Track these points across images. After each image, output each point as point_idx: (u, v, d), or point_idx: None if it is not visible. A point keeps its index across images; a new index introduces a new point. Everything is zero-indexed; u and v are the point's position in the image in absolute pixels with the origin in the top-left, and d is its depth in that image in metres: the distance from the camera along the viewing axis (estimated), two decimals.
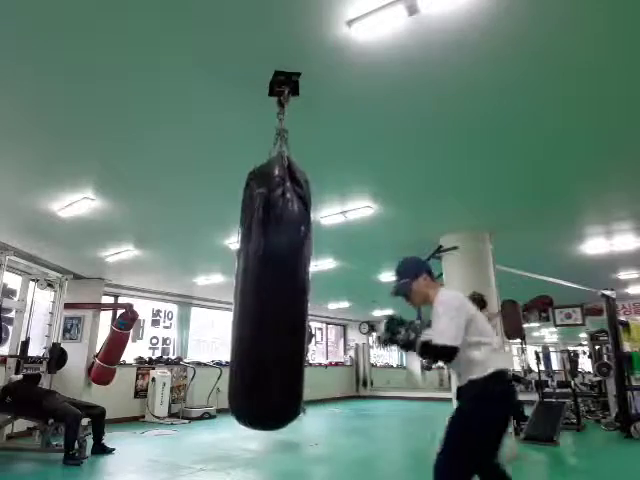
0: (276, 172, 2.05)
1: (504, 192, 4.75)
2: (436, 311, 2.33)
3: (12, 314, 6.35)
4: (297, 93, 2.50)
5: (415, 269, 2.58)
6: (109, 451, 5.50)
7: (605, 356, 8.56)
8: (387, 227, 5.65)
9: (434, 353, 2.30)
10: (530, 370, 11.69)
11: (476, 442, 2.20)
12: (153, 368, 9.16)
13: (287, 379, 1.88)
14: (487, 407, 2.23)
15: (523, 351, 10.37)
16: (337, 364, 14.86)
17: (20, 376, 5.79)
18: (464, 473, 2.20)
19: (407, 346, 2.40)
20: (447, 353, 2.21)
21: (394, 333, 2.42)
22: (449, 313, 2.28)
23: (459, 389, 2.40)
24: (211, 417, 9.05)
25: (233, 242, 6.16)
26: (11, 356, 6.04)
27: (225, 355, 11.28)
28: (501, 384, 2.28)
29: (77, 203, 4.74)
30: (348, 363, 15.24)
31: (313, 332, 13.55)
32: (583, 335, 11.94)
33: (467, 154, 3.89)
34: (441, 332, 2.24)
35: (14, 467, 5.10)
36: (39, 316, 6.90)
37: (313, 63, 2.63)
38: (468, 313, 2.33)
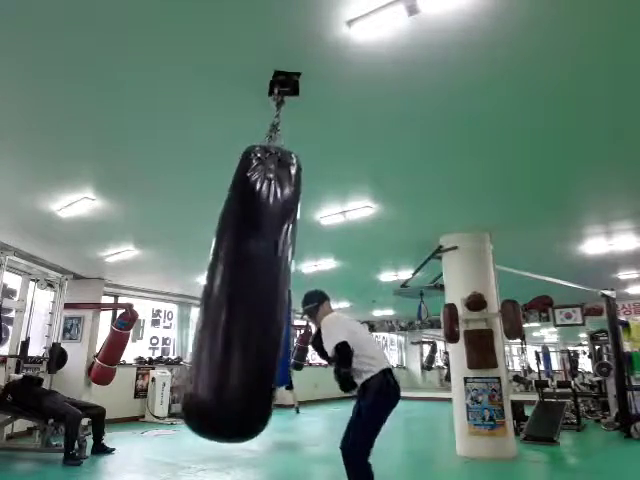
0: (259, 156, 1.99)
1: (504, 192, 4.75)
2: (324, 330, 3.12)
3: (12, 314, 6.35)
4: (297, 93, 2.51)
5: (319, 297, 3.40)
6: (109, 451, 5.50)
7: (605, 356, 8.56)
8: (387, 227, 5.65)
9: (340, 354, 2.89)
10: (530, 370, 11.71)
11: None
12: (153, 368, 9.16)
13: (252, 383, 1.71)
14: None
15: (523, 351, 10.40)
16: None
17: (20, 375, 5.79)
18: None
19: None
20: (344, 349, 2.88)
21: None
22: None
23: None
24: None
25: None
26: (11, 356, 6.04)
27: None
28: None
29: (77, 203, 4.74)
30: None
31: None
32: (583, 335, 11.95)
33: (467, 154, 3.89)
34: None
35: (14, 467, 5.10)
36: (39, 316, 6.89)
37: (313, 63, 2.63)
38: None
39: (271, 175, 1.95)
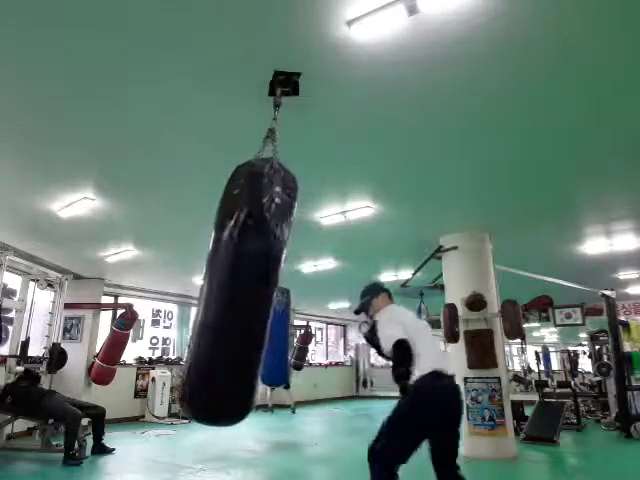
0: (266, 172, 2.02)
1: (504, 192, 4.75)
2: (379, 325, 2.78)
3: (12, 314, 6.35)
4: (297, 93, 2.51)
5: (374, 290, 3.08)
6: (109, 451, 5.50)
7: (605, 356, 8.56)
8: (387, 227, 5.65)
9: (397, 352, 2.57)
10: (530, 370, 11.70)
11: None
12: (153, 368, 9.16)
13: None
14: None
15: (523, 351, 10.38)
16: (337, 364, 14.86)
17: (21, 368, 5.79)
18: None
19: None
20: (402, 345, 2.55)
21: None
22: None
23: None
24: None
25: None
26: (11, 356, 6.04)
27: None
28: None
29: (77, 203, 4.74)
30: (348, 363, 15.24)
31: (313, 332, 13.54)
32: (583, 335, 11.94)
33: (467, 154, 3.89)
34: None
35: (14, 467, 5.10)
36: (39, 316, 6.89)
37: (313, 63, 2.63)
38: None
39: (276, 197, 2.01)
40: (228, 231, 1.93)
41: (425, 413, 2.54)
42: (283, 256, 2.01)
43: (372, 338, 2.83)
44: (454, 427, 2.60)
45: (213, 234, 2.03)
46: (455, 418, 2.61)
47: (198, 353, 1.85)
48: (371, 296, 3.03)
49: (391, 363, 2.64)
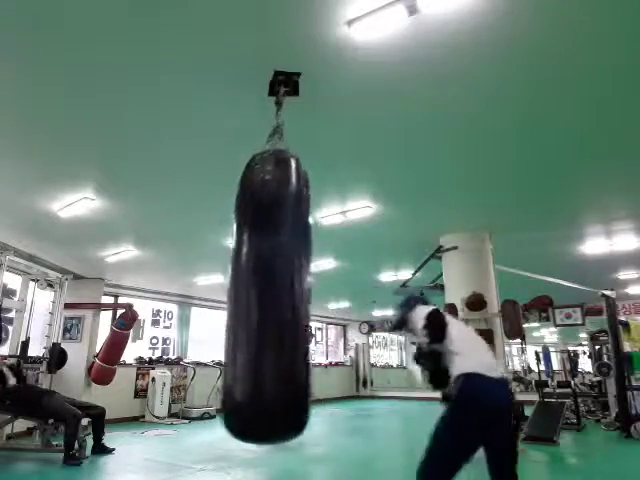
0: (291, 158, 1.94)
1: (504, 192, 4.75)
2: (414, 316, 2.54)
3: (12, 314, 6.35)
4: (297, 93, 2.51)
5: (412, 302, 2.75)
6: (109, 451, 5.50)
7: (605, 356, 8.56)
8: (387, 227, 5.65)
9: (430, 322, 2.37)
10: (530, 370, 11.69)
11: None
12: (153, 368, 9.16)
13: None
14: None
15: (523, 351, 10.38)
16: (337, 364, 14.85)
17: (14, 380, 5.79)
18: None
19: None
20: (435, 315, 2.37)
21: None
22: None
23: None
24: (211, 417, 9.04)
25: (233, 242, 6.15)
26: (11, 356, 6.04)
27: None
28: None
29: (77, 203, 4.74)
30: (348, 363, 15.24)
31: (313, 332, 13.54)
32: (583, 335, 11.94)
33: (467, 154, 3.89)
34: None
35: (14, 467, 5.10)
36: (39, 316, 6.89)
37: (313, 63, 2.63)
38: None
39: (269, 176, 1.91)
40: (259, 223, 1.85)
41: (474, 421, 2.24)
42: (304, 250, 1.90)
43: (421, 350, 2.49)
44: (505, 432, 2.34)
45: (236, 230, 1.92)
46: (505, 422, 2.33)
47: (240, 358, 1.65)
48: (408, 308, 2.68)
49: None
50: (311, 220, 2.01)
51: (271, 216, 1.83)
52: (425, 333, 2.36)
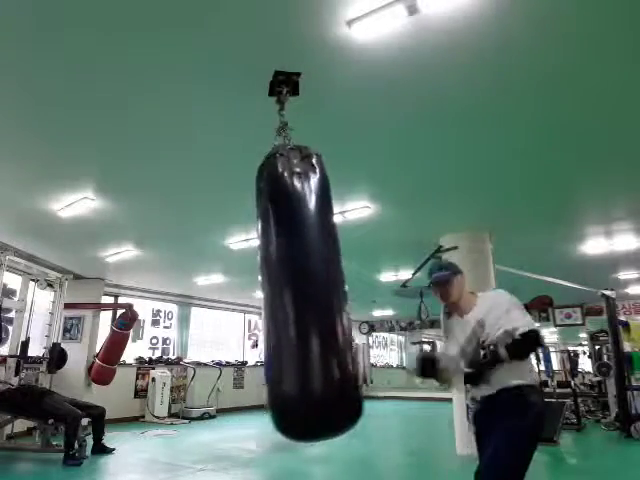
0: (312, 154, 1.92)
1: (504, 192, 4.75)
2: (505, 305, 2.34)
3: (12, 314, 6.35)
4: (297, 93, 2.51)
5: (457, 268, 2.60)
6: (109, 451, 5.50)
7: (605, 356, 8.56)
8: (386, 227, 5.65)
9: (534, 340, 2.14)
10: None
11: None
12: (153, 368, 9.16)
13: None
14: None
15: None
16: None
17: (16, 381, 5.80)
18: None
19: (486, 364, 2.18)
20: (539, 337, 2.15)
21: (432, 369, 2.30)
22: (520, 306, 2.32)
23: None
24: (211, 417, 9.05)
25: (233, 242, 6.16)
26: (11, 356, 6.04)
27: (225, 355, 11.27)
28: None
29: (77, 203, 4.74)
30: None
31: None
32: (583, 335, 11.94)
33: (467, 154, 3.89)
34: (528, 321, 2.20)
35: (14, 467, 5.10)
36: (39, 316, 6.89)
37: (313, 63, 2.63)
38: None
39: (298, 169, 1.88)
40: (294, 216, 1.82)
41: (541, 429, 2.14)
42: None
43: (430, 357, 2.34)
44: None
45: (263, 226, 1.84)
46: None
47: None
48: (453, 271, 2.54)
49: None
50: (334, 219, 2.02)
51: (299, 209, 1.79)
52: (515, 349, 2.08)
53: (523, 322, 2.16)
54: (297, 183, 1.85)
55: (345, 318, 1.68)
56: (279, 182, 1.87)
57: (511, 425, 2.05)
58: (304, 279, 1.68)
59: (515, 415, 2.07)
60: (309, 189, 1.85)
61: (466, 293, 2.53)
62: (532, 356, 2.22)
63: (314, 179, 1.90)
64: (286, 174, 1.86)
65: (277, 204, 1.82)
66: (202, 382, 9.57)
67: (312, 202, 1.84)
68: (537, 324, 2.19)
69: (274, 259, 1.73)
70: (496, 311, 2.30)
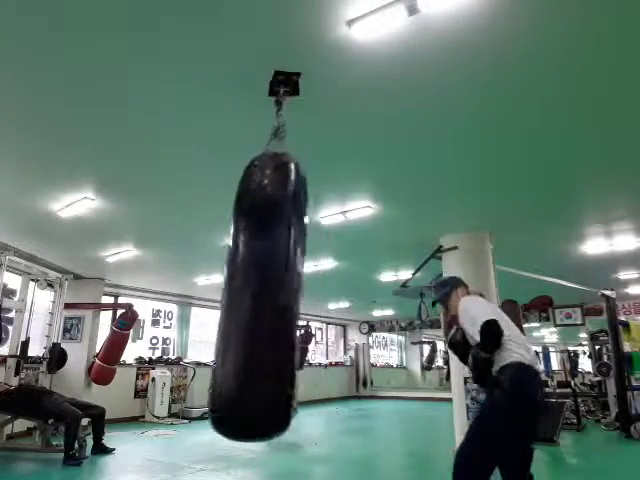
0: (292, 176, 1.96)
1: (504, 192, 4.75)
2: (463, 310, 2.60)
3: (12, 314, 6.35)
4: (297, 93, 2.51)
5: (453, 282, 2.98)
6: (109, 451, 5.50)
7: (605, 356, 8.56)
8: (387, 227, 5.65)
9: (486, 334, 2.33)
10: None
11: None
12: (153, 368, 9.16)
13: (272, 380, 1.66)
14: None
15: None
16: (337, 364, 14.86)
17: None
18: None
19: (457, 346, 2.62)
20: (492, 327, 2.33)
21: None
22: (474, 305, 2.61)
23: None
24: None
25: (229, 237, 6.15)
26: (11, 356, 6.04)
27: None
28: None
29: (77, 203, 4.74)
30: (348, 363, 15.24)
31: (313, 332, 13.55)
32: (583, 335, 11.95)
33: (467, 154, 3.89)
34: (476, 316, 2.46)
35: (14, 467, 5.10)
36: (39, 316, 6.89)
37: (313, 63, 2.63)
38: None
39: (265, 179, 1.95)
40: (257, 225, 1.86)
41: (519, 415, 2.20)
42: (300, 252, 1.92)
43: (455, 336, 2.62)
44: (535, 430, 2.36)
45: (234, 230, 1.93)
46: (538, 421, 2.35)
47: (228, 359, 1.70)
48: (451, 287, 2.90)
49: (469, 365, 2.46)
50: (306, 221, 2.02)
51: (266, 218, 1.85)
52: (481, 345, 2.36)
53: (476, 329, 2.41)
54: (267, 193, 1.91)
55: (293, 327, 1.76)
56: (249, 194, 1.96)
57: (479, 412, 2.38)
58: (261, 284, 1.75)
59: (488, 395, 2.35)
60: (278, 200, 1.88)
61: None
62: (510, 338, 2.40)
63: (286, 189, 1.92)
64: (254, 186, 1.95)
65: (245, 214, 1.93)
66: (202, 382, 9.56)
67: (281, 208, 1.87)
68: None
69: (236, 264, 1.83)
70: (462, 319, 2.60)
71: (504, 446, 2.21)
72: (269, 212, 1.87)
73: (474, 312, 2.49)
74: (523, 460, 2.32)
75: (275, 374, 1.66)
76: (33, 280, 6.61)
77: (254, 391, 1.62)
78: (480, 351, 2.34)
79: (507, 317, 2.64)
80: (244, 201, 1.97)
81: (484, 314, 2.41)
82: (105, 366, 7.54)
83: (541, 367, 2.44)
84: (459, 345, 2.59)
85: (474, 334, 2.39)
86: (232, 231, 1.94)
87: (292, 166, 2.01)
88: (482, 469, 2.15)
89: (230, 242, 1.92)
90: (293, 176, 1.97)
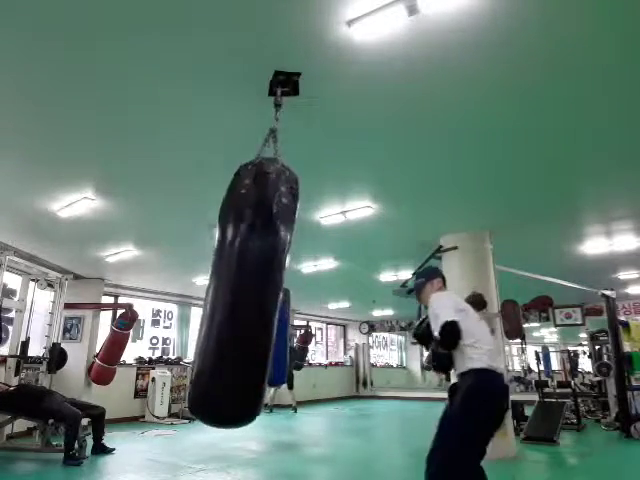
0: (271, 172, 2.06)
1: (504, 192, 4.75)
2: (431, 304, 2.68)
3: (12, 314, 6.35)
4: (297, 93, 2.51)
5: (429, 275, 2.99)
6: (109, 451, 5.50)
7: (605, 356, 8.56)
8: (387, 227, 5.65)
9: (443, 332, 2.45)
10: (530, 370, 11.71)
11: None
12: (153, 368, 9.16)
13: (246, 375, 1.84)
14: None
15: (523, 351, 10.39)
16: (337, 364, 14.86)
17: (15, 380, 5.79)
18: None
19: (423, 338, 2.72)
20: (451, 328, 2.43)
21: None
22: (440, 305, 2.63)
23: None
24: None
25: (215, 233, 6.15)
26: (11, 356, 6.04)
27: None
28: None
29: (77, 203, 4.74)
30: (348, 363, 15.24)
31: (313, 332, 13.55)
32: (583, 335, 11.94)
33: (467, 154, 3.89)
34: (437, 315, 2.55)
35: (14, 467, 5.10)
36: (39, 316, 6.89)
37: (313, 63, 2.63)
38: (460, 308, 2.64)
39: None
40: (234, 231, 1.95)
41: (489, 411, 2.35)
42: (287, 256, 2.03)
43: (419, 329, 2.74)
44: (498, 425, 2.46)
45: (218, 234, 2.03)
46: (502, 419, 2.47)
47: (206, 353, 1.85)
48: (426, 279, 2.92)
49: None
50: (294, 227, 2.10)
51: (248, 222, 1.95)
52: (439, 343, 2.51)
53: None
54: (240, 201, 2.03)
55: (268, 325, 1.91)
56: (228, 200, 2.10)
57: (446, 414, 2.47)
58: (241, 282, 1.91)
59: (452, 399, 2.49)
60: (249, 208, 1.99)
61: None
62: (473, 344, 2.50)
63: (260, 197, 2.03)
64: (234, 195, 2.08)
65: (220, 219, 2.07)
66: None
67: (249, 220, 1.98)
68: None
69: (218, 260, 2.01)
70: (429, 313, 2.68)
71: (470, 446, 2.31)
72: (249, 216, 2.00)
73: (439, 309, 2.56)
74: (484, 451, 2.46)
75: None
76: (33, 280, 6.61)
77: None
78: (439, 347, 2.53)
79: (476, 319, 2.69)
80: (227, 207, 2.11)
81: (448, 314, 2.49)
82: (105, 366, 7.54)
83: (505, 373, 2.52)
84: (423, 337, 2.72)
85: (434, 330, 2.51)
86: (218, 233, 2.07)
87: (273, 175, 2.10)
88: (454, 471, 2.27)
89: (215, 243, 2.08)
90: (272, 186, 2.07)
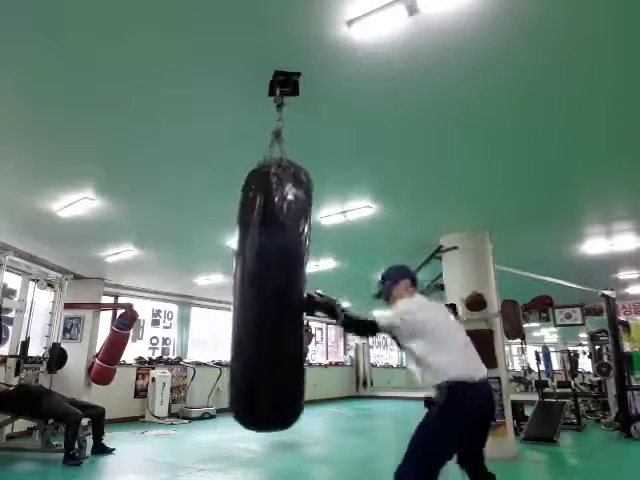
0: (274, 171, 2.07)
1: (504, 192, 4.75)
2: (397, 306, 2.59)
3: (12, 314, 6.35)
4: (297, 93, 2.51)
5: (396, 276, 2.77)
6: (109, 451, 5.50)
7: (605, 356, 8.56)
8: (387, 227, 5.65)
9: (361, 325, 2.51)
10: (530, 370, 11.71)
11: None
12: (153, 368, 9.16)
13: (286, 379, 1.96)
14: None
15: (523, 351, 10.39)
16: (337, 364, 14.86)
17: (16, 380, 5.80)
18: None
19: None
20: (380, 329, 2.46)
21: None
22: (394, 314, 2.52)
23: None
24: (211, 417, 9.05)
25: (233, 242, 6.14)
26: (11, 356, 6.04)
27: (225, 355, 11.27)
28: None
29: (77, 203, 4.74)
30: (348, 363, 15.24)
31: (313, 332, 13.54)
32: (583, 335, 11.94)
33: (467, 154, 3.89)
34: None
35: (14, 467, 5.10)
36: (39, 316, 6.89)
37: (313, 63, 2.63)
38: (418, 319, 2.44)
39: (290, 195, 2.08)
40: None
41: (463, 421, 2.25)
42: (305, 250, 2.08)
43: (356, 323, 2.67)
44: (486, 430, 2.38)
45: (238, 237, 2.15)
46: (488, 422, 2.38)
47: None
48: (392, 281, 2.69)
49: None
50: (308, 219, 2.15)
51: (279, 225, 2.00)
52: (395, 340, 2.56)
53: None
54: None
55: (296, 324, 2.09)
56: (242, 199, 2.19)
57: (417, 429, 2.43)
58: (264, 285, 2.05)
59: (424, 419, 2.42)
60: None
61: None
62: (447, 356, 2.37)
63: (305, 200, 2.13)
64: (243, 201, 2.17)
65: (259, 218, 2.07)
66: (202, 382, 9.57)
67: (292, 218, 2.04)
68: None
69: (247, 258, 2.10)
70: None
71: (439, 458, 2.27)
72: (280, 220, 2.06)
73: (397, 311, 2.49)
74: (479, 459, 2.42)
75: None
76: (33, 280, 6.61)
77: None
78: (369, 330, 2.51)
79: (447, 325, 2.52)
80: (257, 206, 2.13)
81: (397, 318, 2.44)
82: (105, 366, 7.54)
83: (480, 375, 2.33)
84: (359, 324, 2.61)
85: (389, 321, 2.45)
86: (238, 235, 2.20)
87: (304, 178, 2.20)
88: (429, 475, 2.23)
89: (236, 245, 2.22)
90: (307, 189, 2.18)
